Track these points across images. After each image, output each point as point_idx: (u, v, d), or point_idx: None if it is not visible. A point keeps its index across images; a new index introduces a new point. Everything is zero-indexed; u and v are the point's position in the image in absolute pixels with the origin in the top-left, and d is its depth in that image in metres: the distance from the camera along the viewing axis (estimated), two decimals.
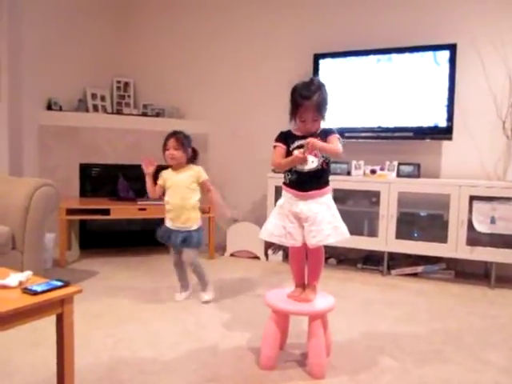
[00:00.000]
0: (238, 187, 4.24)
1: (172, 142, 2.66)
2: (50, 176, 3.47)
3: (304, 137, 1.90)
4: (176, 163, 2.68)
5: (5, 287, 1.37)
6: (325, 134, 1.93)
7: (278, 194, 3.60)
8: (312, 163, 1.89)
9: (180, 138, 2.67)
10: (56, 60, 3.91)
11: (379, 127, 3.65)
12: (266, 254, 3.89)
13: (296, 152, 1.89)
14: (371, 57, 3.64)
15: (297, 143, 1.91)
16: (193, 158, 2.75)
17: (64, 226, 3.48)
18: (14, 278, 1.40)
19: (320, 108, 1.89)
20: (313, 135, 1.89)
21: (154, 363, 1.93)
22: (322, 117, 1.92)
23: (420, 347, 2.16)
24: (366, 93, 3.67)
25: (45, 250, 3.02)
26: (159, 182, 2.72)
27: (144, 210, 3.62)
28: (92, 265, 3.50)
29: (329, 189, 1.96)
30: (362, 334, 2.31)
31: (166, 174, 2.72)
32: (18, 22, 3.49)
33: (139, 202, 3.69)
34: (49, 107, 3.87)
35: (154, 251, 3.97)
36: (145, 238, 4.25)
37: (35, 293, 1.32)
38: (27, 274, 1.45)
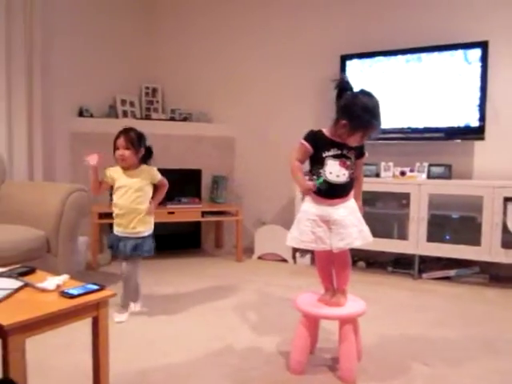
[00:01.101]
0: (266, 190, 4.25)
1: (122, 141, 2.41)
2: (82, 181, 3.55)
3: (339, 144, 1.86)
4: (126, 164, 2.44)
5: (43, 290, 1.42)
6: (359, 152, 1.93)
7: (304, 197, 3.60)
8: (344, 175, 1.87)
9: (130, 137, 2.41)
10: (86, 69, 4.01)
11: (409, 128, 3.59)
12: (294, 257, 3.88)
13: (330, 160, 1.85)
14: (399, 57, 3.59)
15: (333, 151, 1.86)
16: (146, 158, 2.52)
17: (96, 230, 3.56)
18: (51, 282, 1.44)
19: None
20: (346, 146, 1.87)
21: (185, 366, 1.95)
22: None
23: (454, 353, 2.11)
24: (394, 93, 3.62)
25: (78, 253, 3.10)
26: (105, 178, 2.49)
27: (173, 213, 3.67)
28: None
29: (352, 194, 1.96)
30: (393, 338, 2.28)
31: (114, 173, 2.48)
32: (50, 33, 3.59)
33: (168, 206, 3.74)
34: (80, 114, 3.97)
35: (183, 254, 4.03)
36: (175, 242, 4.32)
37: (72, 296, 1.36)
38: (64, 277, 1.49)
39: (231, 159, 4.40)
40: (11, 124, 3.30)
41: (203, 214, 3.80)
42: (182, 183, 4.31)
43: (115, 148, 2.44)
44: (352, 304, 1.94)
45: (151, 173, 2.51)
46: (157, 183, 2.54)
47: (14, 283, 1.47)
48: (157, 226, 4.09)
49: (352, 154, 1.89)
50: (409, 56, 3.56)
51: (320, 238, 1.89)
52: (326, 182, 1.87)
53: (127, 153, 2.41)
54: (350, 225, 1.87)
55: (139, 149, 2.44)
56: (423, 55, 3.51)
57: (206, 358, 2.02)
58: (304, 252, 3.80)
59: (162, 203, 3.82)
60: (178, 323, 2.44)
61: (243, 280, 3.30)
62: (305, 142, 1.90)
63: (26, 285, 1.47)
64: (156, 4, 4.64)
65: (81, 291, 1.39)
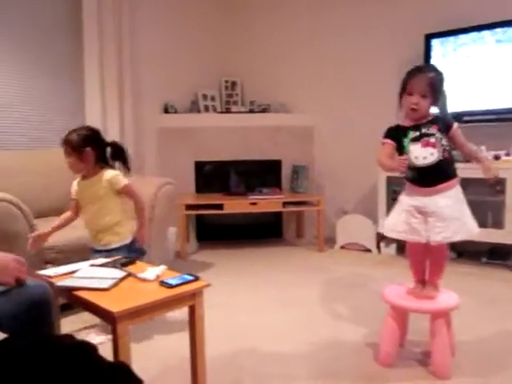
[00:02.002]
0: (347, 179, 4.18)
1: (64, 150, 2.07)
2: (169, 174, 3.74)
3: (415, 126, 1.80)
4: (78, 172, 2.11)
5: (144, 280, 1.53)
6: (443, 121, 1.79)
7: (389, 185, 3.49)
8: (432, 155, 1.76)
9: (68, 141, 2.03)
10: (169, 67, 4.19)
11: (503, 108, 3.32)
12: (378, 247, 3.79)
13: (411, 145, 1.79)
14: (489, 32, 3.32)
15: (410, 135, 1.79)
16: (116, 157, 2.14)
17: (183, 221, 3.75)
18: (151, 272, 1.56)
19: (432, 84, 1.76)
20: (423, 123, 1.78)
21: (274, 355, 2.00)
22: (434, 97, 1.77)
23: None
24: (484, 72, 3.37)
25: (168, 243, 3.29)
26: (72, 196, 2.16)
27: (255, 204, 3.75)
28: (209, 256, 3.73)
29: (456, 181, 1.83)
30: (490, 333, 2.15)
31: (76, 184, 2.16)
32: (137, 36, 3.81)
33: (250, 197, 3.82)
34: (165, 110, 4.17)
35: (265, 244, 4.11)
36: (256, 231, 4.42)
37: (171, 286, 1.46)
38: (162, 268, 1.60)
39: (311, 148, 4.38)
40: (105, 122, 3.56)
41: (284, 204, 3.84)
42: (262, 174, 4.39)
43: None
44: (444, 297, 1.87)
45: (109, 178, 2.07)
46: (120, 191, 2.10)
47: (119, 273, 1.60)
48: (239, 216, 4.23)
49: (435, 129, 1.77)
50: (499, 30, 3.27)
51: (415, 230, 1.81)
52: (414, 168, 1.80)
53: (69, 161, 2.06)
54: (449, 217, 1.76)
55: (83, 150, 2.03)
56: None
57: (293, 349, 2.06)
58: (389, 241, 3.70)
59: (244, 194, 3.92)
60: (264, 313, 2.49)
61: (326, 270, 3.29)
62: (385, 140, 1.87)
63: (129, 275, 1.59)
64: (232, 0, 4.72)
65: (178, 281, 1.48)
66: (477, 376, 1.77)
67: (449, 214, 1.76)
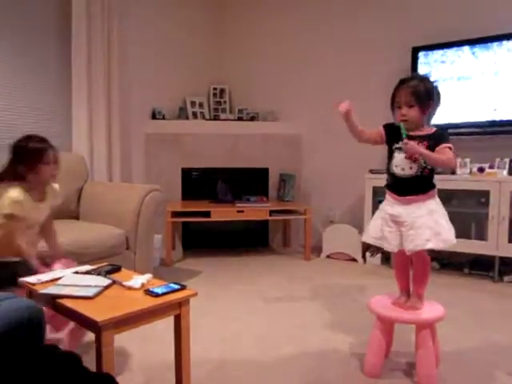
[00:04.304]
0: (334, 188, 4.20)
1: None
2: (155, 180, 3.74)
3: (412, 137, 1.82)
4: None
5: (129, 288, 1.51)
6: (435, 140, 1.80)
7: (375, 194, 3.52)
8: (410, 169, 1.81)
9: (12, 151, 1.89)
10: (158, 73, 4.18)
11: (486, 121, 3.38)
12: (364, 257, 3.81)
13: (396, 152, 1.84)
14: (474, 46, 3.39)
15: (399, 144, 1.83)
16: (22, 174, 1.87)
17: (169, 228, 3.71)
18: (137, 280, 1.54)
19: (415, 93, 1.78)
20: (417, 136, 1.81)
21: (260, 364, 1.98)
22: (421, 106, 1.79)
23: None
24: (469, 85, 3.43)
25: (153, 250, 3.25)
26: None
27: (242, 212, 3.74)
28: (195, 264, 3.70)
29: (432, 194, 1.85)
30: (473, 345, 2.17)
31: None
32: (125, 41, 3.79)
33: (238, 204, 3.82)
34: (153, 116, 4.15)
35: (252, 252, 4.10)
36: (243, 240, 4.40)
37: (157, 295, 1.44)
38: (148, 276, 1.58)
39: (298, 157, 4.40)
40: (92, 127, 3.52)
41: (271, 212, 3.84)
42: (249, 182, 4.38)
43: (45, 161, 1.92)
44: (429, 308, 1.88)
45: None
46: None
47: (103, 281, 1.58)
48: (226, 224, 4.22)
49: (423, 146, 1.77)
50: (483, 45, 3.35)
51: (385, 238, 1.87)
52: (392, 174, 1.86)
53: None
54: (422, 226, 1.78)
55: (16, 165, 1.88)
56: (499, 44, 3.28)
57: (281, 357, 2.05)
58: (375, 251, 3.72)
59: (231, 202, 3.91)
60: (249, 323, 2.47)
61: (313, 279, 3.29)
62: (380, 127, 1.94)
63: (114, 282, 1.57)
64: (222, 7, 4.73)
65: (164, 290, 1.47)
66: None
67: (421, 224, 1.78)
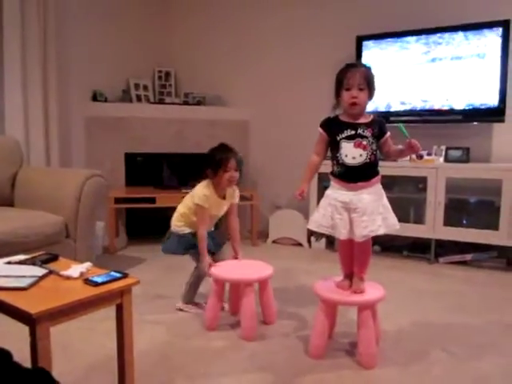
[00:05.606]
0: (281, 174, 4.22)
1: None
2: (97, 166, 3.57)
3: (353, 124, 1.86)
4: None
5: (68, 278, 1.44)
6: (379, 127, 1.87)
7: (321, 181, 3.57)
8: (360, 157, 1.85)
9: None
10: (100, 53, 3.98)
11: (426, 110, 3.53)
12: (309, 241, 3.88)
13: (345, 142, 1.85)
14: (416, 37, 3.50)
15: (346, 133, 1.86)
16: None
17: (112, 215, 3.59)
18: (75, 269, 1.46)
19: (367, 77, 1.84)
20: (360, 124, 1.86)
21: (205, 351, 1.97)
22: (370, 90, 1.85)
23: (474, 339, 2.11)
24: (411, 75, 3.55)
25: (96, 238, 3.13)
26: None
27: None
28: (139, 251, 3.61)
29: (378, 178, 1.92)
30: (411, 323, 2.28)
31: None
32: (64, 19, 3.57)
33: (183, 190, 3.74)
34: (94, 98, 3.96)
35: None
36: None
37: (96, 284, 1.38)
38: (87, 264, 1.51)
39: (246, 143, 4.38)
40: (28, 110, 3.30)
41: None
42: (196, 167, 4.30)
43: (226, 169, 2.31)
44: (371, 290, 1.94)
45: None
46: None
47: (39, 271, 1.49)
48: (172, 210, 4.13)
49: (369, 133, 1.84)
50: (426, 36, 3.47)
51: (336, 226, 1.89)
52: (342, 164, 1.87)
53: None
54: (373, 212, 1.84)
55: None
56: (441, 35, 3.42)
57: (226, 342, 2.05)
58: (319, 236, 3.79)
59: (177, 187, 3.83)
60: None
61: None
62: (319, 129, 1.95)
63: (51, 272, 1.49)
64: None
65: (105, 279, 1.41)
66: (398, 365, 1.86)
67: (372, 209, 1.85)
